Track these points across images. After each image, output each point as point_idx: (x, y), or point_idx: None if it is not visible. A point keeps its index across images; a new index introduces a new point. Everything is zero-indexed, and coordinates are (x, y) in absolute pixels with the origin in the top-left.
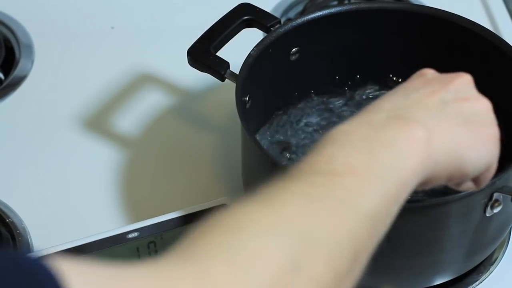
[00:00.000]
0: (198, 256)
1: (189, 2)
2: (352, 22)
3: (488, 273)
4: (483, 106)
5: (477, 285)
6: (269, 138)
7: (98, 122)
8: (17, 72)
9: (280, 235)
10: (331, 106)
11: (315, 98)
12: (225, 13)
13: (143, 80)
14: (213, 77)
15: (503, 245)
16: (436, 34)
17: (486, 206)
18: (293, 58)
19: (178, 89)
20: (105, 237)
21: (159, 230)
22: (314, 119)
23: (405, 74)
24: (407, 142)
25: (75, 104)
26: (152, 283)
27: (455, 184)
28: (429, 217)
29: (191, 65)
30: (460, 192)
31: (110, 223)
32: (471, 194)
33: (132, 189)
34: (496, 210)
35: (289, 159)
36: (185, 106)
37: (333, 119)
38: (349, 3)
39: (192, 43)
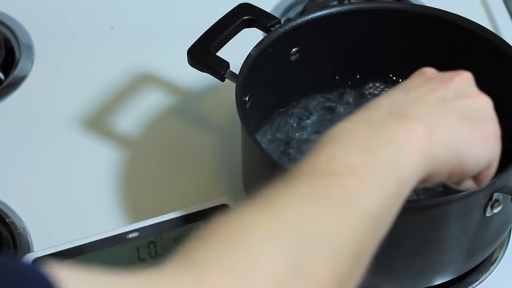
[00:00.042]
0: (199, 264)
1: (189, 2)
2: (352, 22)
3: (488, 273)
4: (484, 103)
5: (477, 285)
6: (269, 138)
7: (98, 122)
8: (17, 72)
9: (281, 239)
10: (331, 106)
11: (315, 98)
12: (225, 13)
13: (143, 80)
14: (213, 77)
15: (503, 245)
16: (436, 34)
17: (486, 206)
18: (293, 58)
19: (178, 89)
20: (105, 237)
21: (159, 230)
22: (314, 119)
23: (405, 74)
24: (407, 139)
25: (75, 104)
26: None
27: (455, 183)
28: (429, 217)
29: (191, 65)
30: (460, 191)
31: (110, 223)
32: (471, 194)
33: (132, 189)
34: (496, 210)
35: (289, 159)
36: (185, 106)
37: (333, 119)
38: (349, 3)
39: (192, 43)
